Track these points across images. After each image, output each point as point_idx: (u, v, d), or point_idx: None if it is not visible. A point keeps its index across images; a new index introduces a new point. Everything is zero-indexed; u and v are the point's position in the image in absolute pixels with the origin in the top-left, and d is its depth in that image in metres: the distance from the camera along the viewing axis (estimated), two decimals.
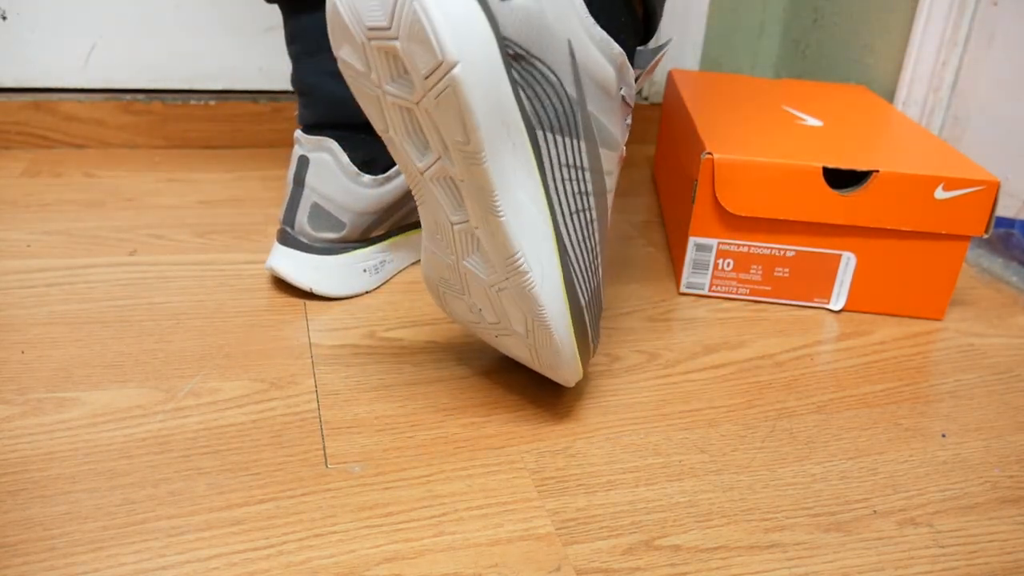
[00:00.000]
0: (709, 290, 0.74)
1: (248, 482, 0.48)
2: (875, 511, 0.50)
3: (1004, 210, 0.86)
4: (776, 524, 0.48)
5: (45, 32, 0.96)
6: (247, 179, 0.93)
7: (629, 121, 0.53)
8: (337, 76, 0.61)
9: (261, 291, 0.69)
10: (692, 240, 0.72)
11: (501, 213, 0.45)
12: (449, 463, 0.51)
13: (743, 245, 0.72)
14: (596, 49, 0.47)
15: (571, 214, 0.49)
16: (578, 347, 0.51)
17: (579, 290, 0.50)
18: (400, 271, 0.74)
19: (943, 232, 0.69)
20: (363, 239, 0.69)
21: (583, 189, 0.49)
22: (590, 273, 0.51)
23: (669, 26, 1.13)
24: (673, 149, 0.89)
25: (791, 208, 0.70)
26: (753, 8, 1.18)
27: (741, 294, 0.74)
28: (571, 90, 0.46)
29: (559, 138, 0.47)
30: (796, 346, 0.67)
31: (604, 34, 0.47)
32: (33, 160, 0.93)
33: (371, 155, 0.67)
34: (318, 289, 0.67)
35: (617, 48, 0.48)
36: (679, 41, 1.15)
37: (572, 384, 0.55)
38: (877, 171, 0.68)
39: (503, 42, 0.42)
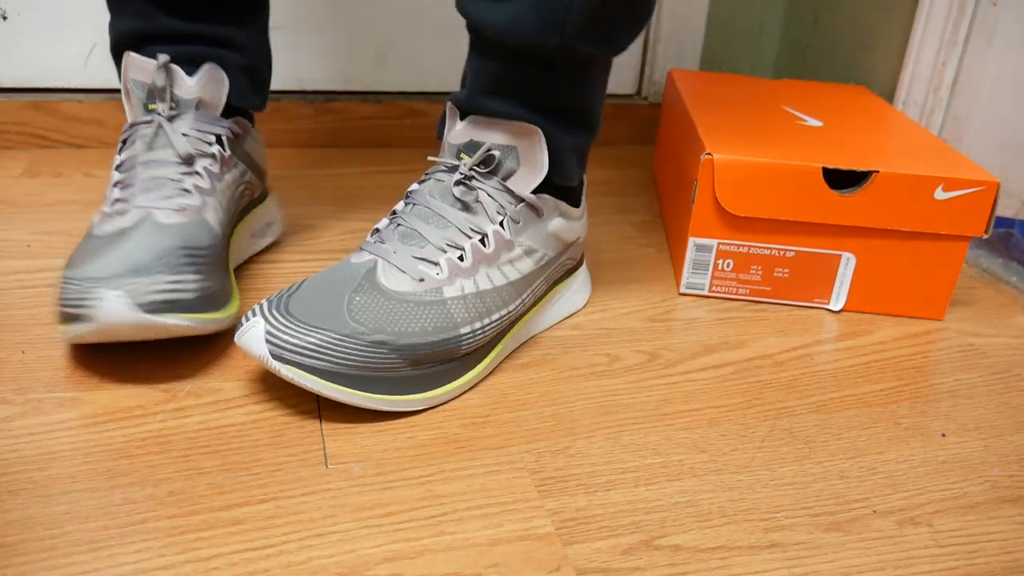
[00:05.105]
0: (709, 290, 0.74)
1: (248, 482, 0.48)
2: (875, 511, 0.50)
3: (1004, 210, 0.86)
4: (776, 524, 0.48)
5: (45, 32, 0.96)
6: None
7: None
8: None
9: (261, 291, 0.69)
10: (692, 240, 0.72)
11: None
12: (449, 463, 0.51)
13: (743, 245, 0.72)
14: None
15: None
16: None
17: None
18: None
19: (943, 232, 0.69)
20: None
21: None
22: None
23: (669, 26, 1.14)
24: (673, 149, 0.89)
25: (791, 208, 0.70)
26: (753, 8, 1.18)
27: (741, 294, 0.74)
28: None
29: None
30: (796, 346, 0.67)
31: None
32: (33, 160, 0.93)
33: None
34: None
35: None
36: (679, 41, 1.15)
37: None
38: (877, 171, 0.68)
39: None
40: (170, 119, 0.64)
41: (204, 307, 0.56)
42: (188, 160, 0.63)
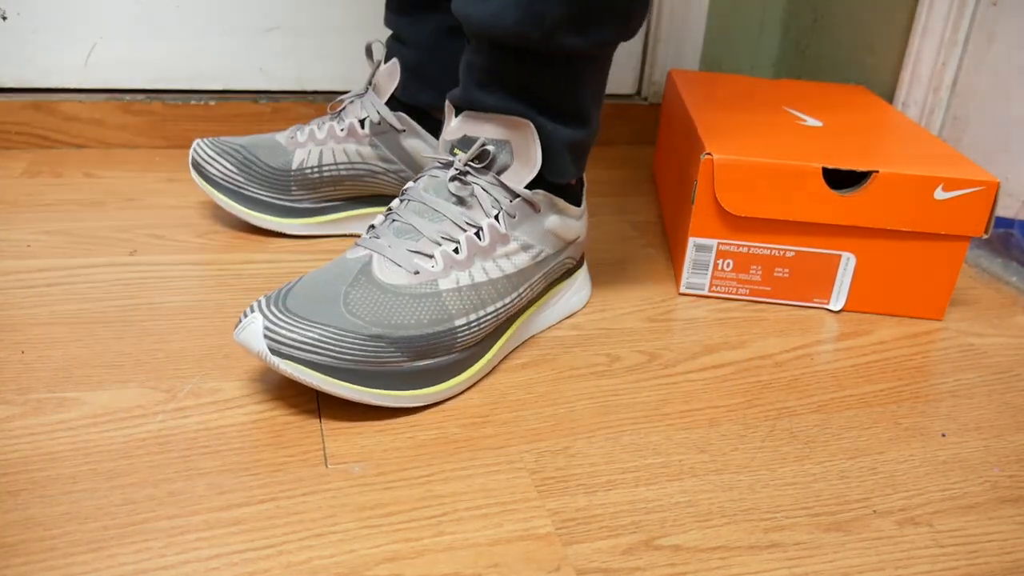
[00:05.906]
0: (709, 290, 0.74)
1: (248, 482, 0.48)
2: (875, 511, 0.50)
3: (1004, 210, 0.86)
4: (776, 524, 0.48)
5: (45, 32, 0.96)
6: None
7: None
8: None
9: (261, 291, 0.69)
10: (692, 240, 0.72)
11: None
12: (449, 463, 0.51)
13: (743, 245, 0.72)
14: None
15: None
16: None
17: None
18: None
19: (943, 232, 0.69)
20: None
21: None
22: None
23: (669, 26, 1.14)
24: (673, 149, 0.89)
25: (791, 208, 0.70)
26: (753, 8, 1.18)
27: (741, 294, 0.74)
28: None
29: None
30: (796, 346, 0.67)
31: None
32: (33, 160, 0.93)
33: None
34: None
35: None
36: (679, 41, 1.15)
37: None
38: (877, 171, 0.68)
39: None
40: (360, 94, 0.79)
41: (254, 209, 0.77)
42: (333, 115, 0.79)
